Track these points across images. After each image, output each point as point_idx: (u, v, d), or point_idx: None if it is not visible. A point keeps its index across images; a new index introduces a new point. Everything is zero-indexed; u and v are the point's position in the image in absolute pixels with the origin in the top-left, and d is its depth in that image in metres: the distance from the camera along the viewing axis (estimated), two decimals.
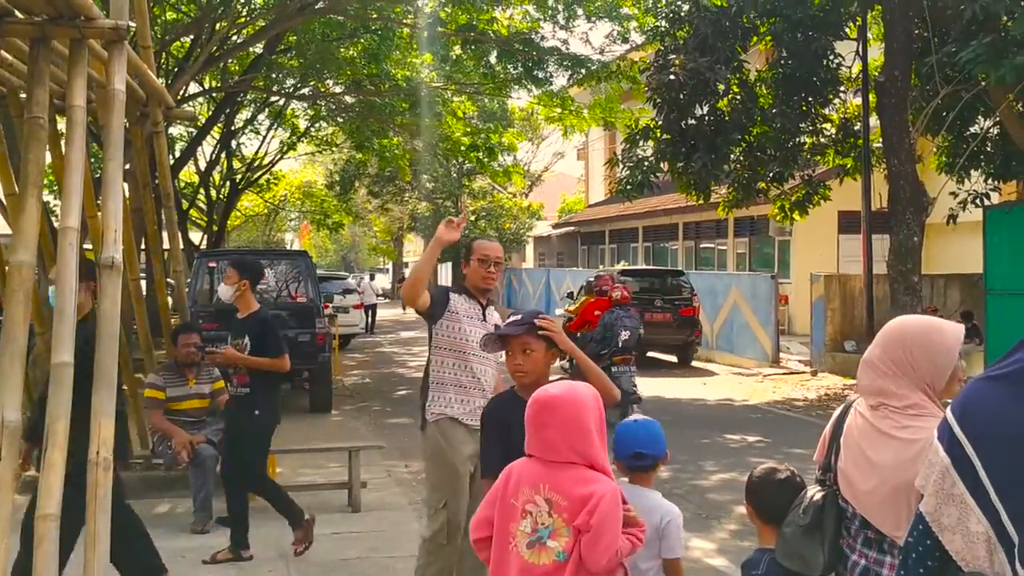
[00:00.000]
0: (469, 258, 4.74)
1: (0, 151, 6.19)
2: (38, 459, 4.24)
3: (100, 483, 3.94)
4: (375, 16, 16.03)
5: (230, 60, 17.61)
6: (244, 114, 22.99)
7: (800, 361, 17.37)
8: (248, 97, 21.22)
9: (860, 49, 15.12)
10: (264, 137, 24.18)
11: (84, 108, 4.47)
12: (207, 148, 23.28)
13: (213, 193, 24.14)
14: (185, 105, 14.46)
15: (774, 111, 15.00)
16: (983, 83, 11.68)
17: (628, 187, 15.11)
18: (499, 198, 40.57)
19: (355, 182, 31.85)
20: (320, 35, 16.45)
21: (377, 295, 29.93)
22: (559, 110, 18.59)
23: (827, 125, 16.17)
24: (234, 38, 16.20)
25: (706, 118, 14.97)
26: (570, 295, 19.07)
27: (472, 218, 39.29)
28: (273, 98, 21.12)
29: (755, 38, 15.17)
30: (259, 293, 12.14)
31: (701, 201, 15.74)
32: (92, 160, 12.15)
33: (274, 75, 18.36)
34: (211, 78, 18.98)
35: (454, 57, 17.60)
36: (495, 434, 3.55)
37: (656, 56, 15.03)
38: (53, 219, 7.56)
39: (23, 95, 5.40)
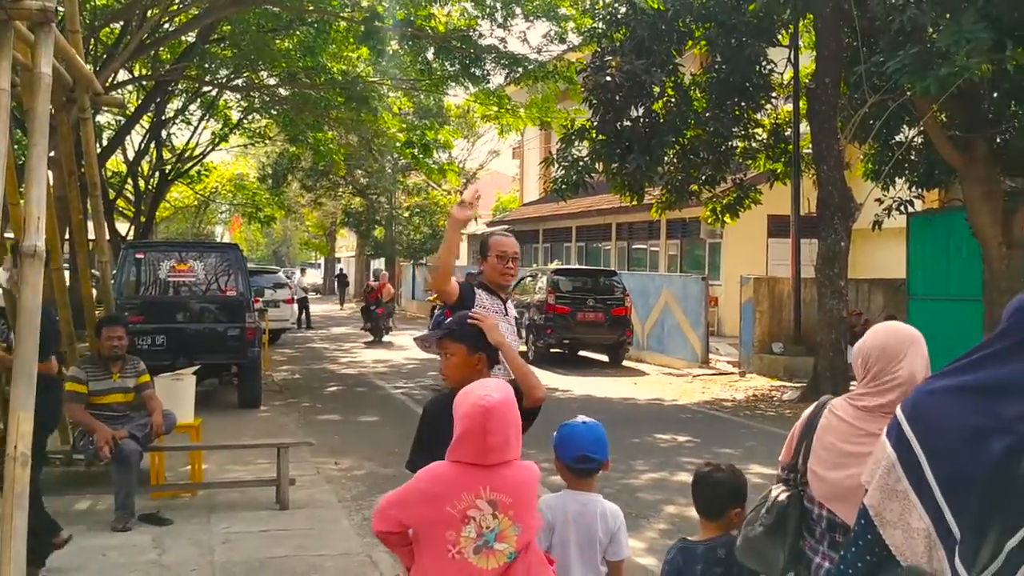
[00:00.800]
0: (487, 254, 4.72)
1: None
2: None
3: (17, 479, 3.82)
4: (311, 8, 15.84)
5: (162, 48, 17.24)
6: (175, 104, 22.54)
7: (729, 362, 17.64)
8: (180, 87, 20.80)
9: (792, 56, 15.42)
10: (195, 128, 23.72)
11: (8, 92, 4.33)
12: (136, 137, 22.78)
13: (141, 183, 23.62)
14: (114, 92, 14.11)
15: (707, 115, 15.21)
16: (909, 93, 11.97)
17: (563, 186, 15.17)
18: (434, 195, 40.44)
19: (288, 176, 31.47)
20: (255, 26, 16.20)
21: (305, 290, 29.59)
22: (495, 108, 18.62)
23: (759, 130, 16.44)
24: (166, 26, 15.86)
25: (641, 120, 15.10)
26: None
27: (406, 214, 39.15)
28: (205, 88, 20.73)
29: (690, 42, 15.35)
30: (188, 286, 12.04)
31: (635, 202, 15.87)
32: (16, 146, 11.79)
33: (207, 65, 18.02)
34: (141, 66, 18.57)
35: (391, 52, 17.49)
36: (428, 431, 3.52)
37: (593, 57, 15.11)
38: None
39: None
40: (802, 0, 13.51)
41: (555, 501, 3.41)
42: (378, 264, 42.20)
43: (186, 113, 23.14)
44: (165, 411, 7.24)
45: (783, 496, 2.81)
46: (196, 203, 34.21)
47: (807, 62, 15.82)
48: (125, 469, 6.65)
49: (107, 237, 9.09)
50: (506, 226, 37.53)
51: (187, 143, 24.42)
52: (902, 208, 15.19)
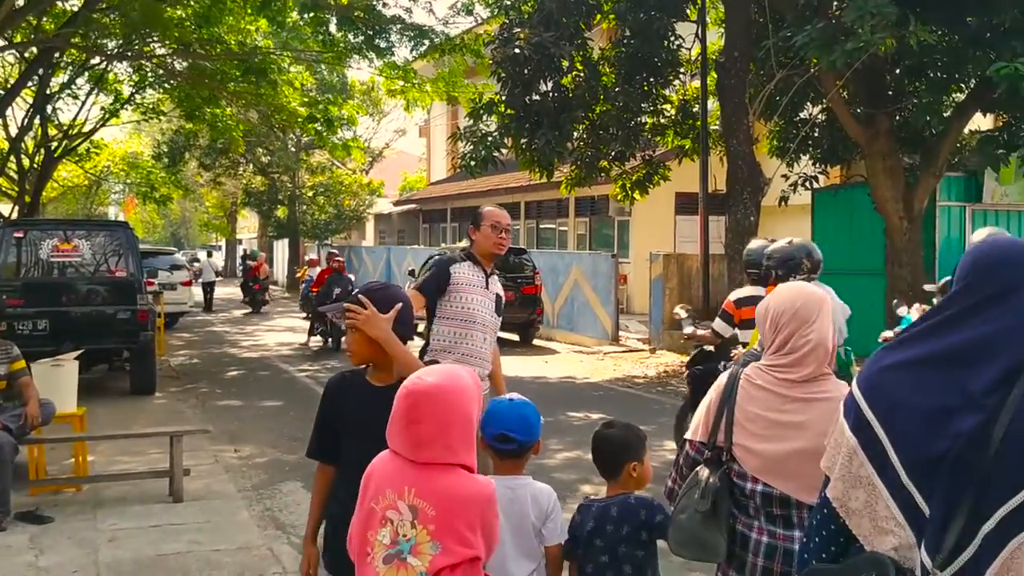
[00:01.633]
0: (479, 224, 4.79)
1: None
2: None
3: None
4: None
5: (44, 18, 16.23)
6: (61, 77, 21.32)
7: (639, 339, 17.62)
8: (65, 59, 19.69)
9: (700, 32, 15.34)
10: (83, 102, 22.51)
11: None
12: (18, 112, 21.51)
13: (25, 161, 22.33)
14: None
15: (617, 90, 15.06)
16: (814, 69, 12.00)
17: (471, 163, 14.86)
18: (338, 174, 39.57)
19: (185, 154, 30.29)
20: None
21: (217, 273, 28.87)
22: (401, 83, 18.10)
23: (667, 106, 16.37)
24: None
25: (550, 94, 14.89)
26: (412, 273, 18.68)
27: (310, 193, 38.20)
28: (93, 60, 19.66)
29: (599, 16, 15.17)
30: (74, 267, 11.31)
31: (545, 179, 15.67)
32: None
33: (93, 35, 17.03)
34: (22, 35, 17.48)
35: (291, 24, 16.82)
36: (326, 412, 3.19)
37: (501, 29, 14.81)
38: None
39: None
40: None
41: None
42: (301, 245, 40.99)
43: (73, 87, 21.94)
44: (43, 400, 6.71)
45: (714, 478, 2.65)
46: (87, 182, 32.71)
47: (715, 38, 15.80)
48: None
49: None
50: (413, 204, 37.05)
51: (74, 119, 23.18)
52: (807, 184, 15.35)
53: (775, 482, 2.58)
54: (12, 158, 21.95)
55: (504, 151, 15.28)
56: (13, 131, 21.94)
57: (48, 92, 20.50)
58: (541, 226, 28.30)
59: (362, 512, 2.49)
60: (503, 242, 4.82)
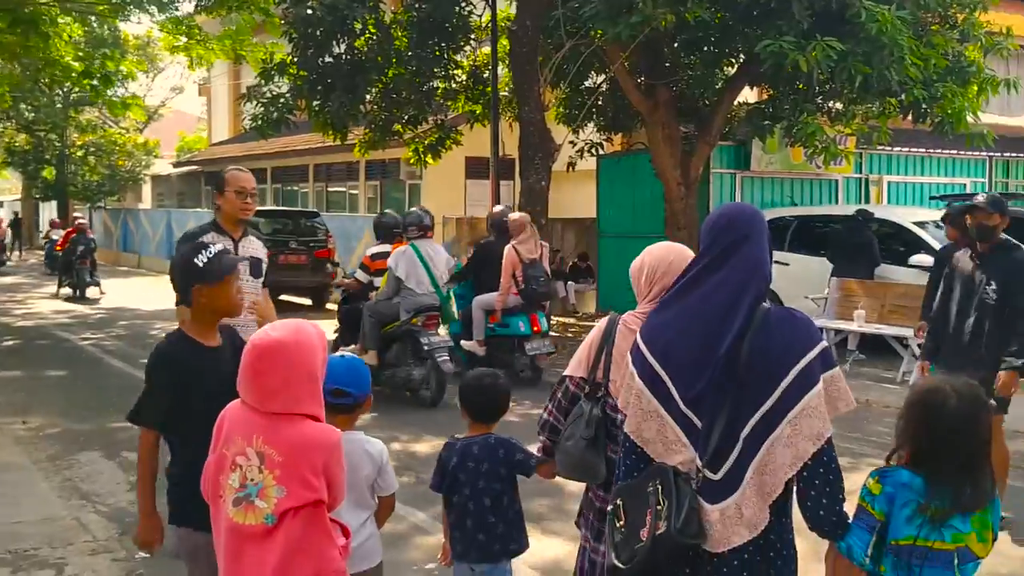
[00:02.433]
0: (223, 189, 4.69)
1: None
2: None
3: None
4: None
5: None
6: None
7: None
8: None
9: None
10: None
11: None
12: None
13: None
14: None
15: (409, 54, 15.12)
16: (600, 40, 12.58)
17: (262, 123, 14.56)
18: (111, 133, 37.35)
19: None
20: None
21: None
22: (185, 39, 17.39)
23: (459, 71, 16.62)
24: None
25: (343, 56, 14.77)
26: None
27: (79, 153, 35.86)
28: None
29: None
30: None
31: (338, 141, 15.58)
32: None
33: None
34: None
35: None
36: (163, 379, 3.27)
37: None
38: None
39: None
40: None
41: None
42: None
43: None
44: None
45: (597, 410, 3.02)
46: None
47: (504, 5, 16.16)
48: None
49: None
50: (195, 166, 35.56)
51: None
52: (593, 151, 16.07)
53: None
54: None
55: (296, 113, 15.05)
56: None
57: None
58: (330, 189, 27.96)
59: (214, 457, 2.65)
60: (248, 207, 4.79)
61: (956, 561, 2.43)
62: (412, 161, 17.53)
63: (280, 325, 2.69)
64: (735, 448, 2.34)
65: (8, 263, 28.41)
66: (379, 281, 9.19)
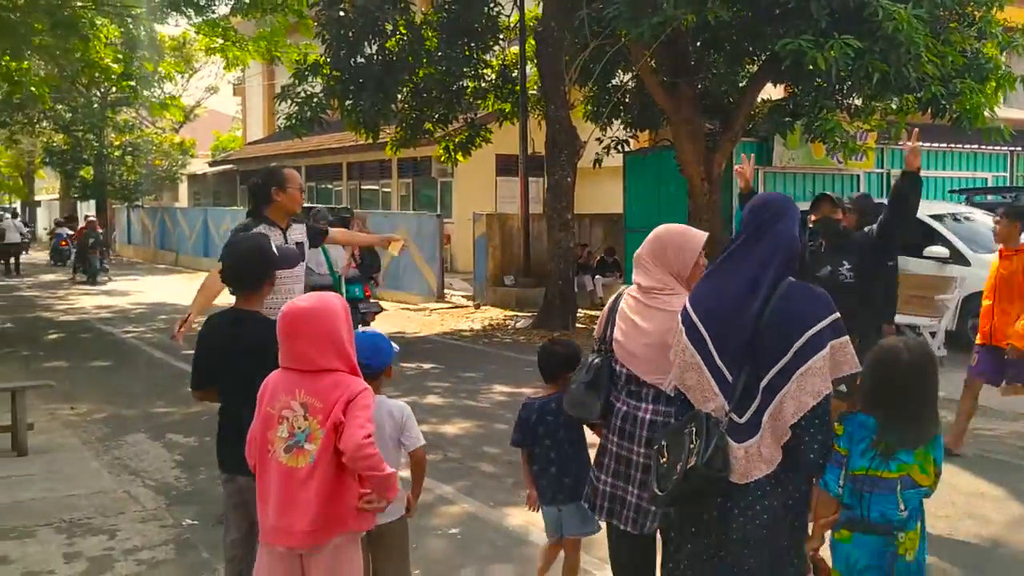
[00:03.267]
0: (286, 187, 5.20)
1: None
2: None
3: None
4: None
5: None
6: None
7: (464, 296, 18.29)
8: None
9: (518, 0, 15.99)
10: None
11: None
12: None
13: None
14: None
15: (439, 54, 15.49)
16: (624, 40, 12.86)
17: (296, 122, 14.97)
18: (148, 132, 38.08)
19: None
20: None
21: (23, 235, 27.52)
22: (221, 40, 17.86)
23: (488, 71, 16.96)
24: None
25: (375, 57, 15.14)
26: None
27: (117, 153, 36.58)
28: None
29: None
30: None
31: (370, 139, 15.98)
32: None
33: None
34: None
35: None
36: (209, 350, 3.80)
37: None
38: None
39: None
40: None
41: None
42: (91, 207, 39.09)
43: None
44: None
45: (596, 360, 3.59)
46: None
47: (532, 5, 16.48)
48: None
49: None
50: (230, 164, 36.21)
51: None
52: (619, 147, 16.35)
53: (631, 365, 3.48)
54: None
55: (329, 112, 15.45)
56: None
57: None
58: (363, 187, 28.43)
59: (260, 418, 3.07)
60: (301, 200, 5.41)
61: (899, 488, 2.95)
62: (443, 159, 17.91)
63: (306, 296, 3.19)
64: (756, 397, 2.86)
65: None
66: None
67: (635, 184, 16.81)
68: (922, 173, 5.58)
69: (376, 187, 27.84)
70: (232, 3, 16.44)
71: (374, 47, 15.07)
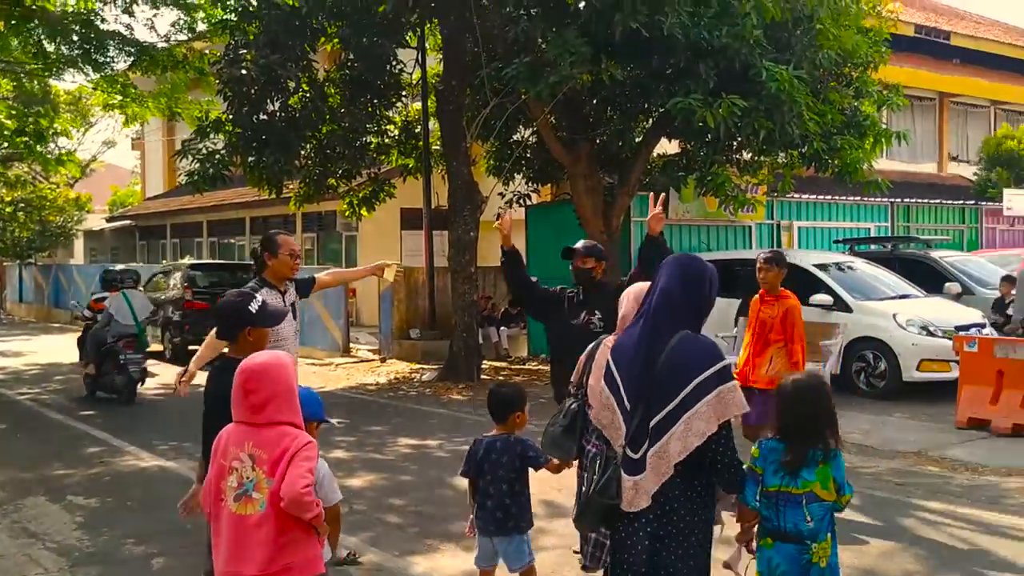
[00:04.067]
0: (277, 252, 5.46)
1: None
2: None
3: None
4: None
5: None
6: None
7: (369, 350, 18.30)
8: None
9: (420, 57, 16.33)
10: None
11: None
12: None
13: None
14: None
15: (342, 111, 15.68)
16: (524, 98, 13.27)
17: (198, 179, 14.89)
18: (41, 188, 37.12)
19: None
20: None
21: None
22: (120, 96, 17.74)
23: (391, 127, 17.22)
24: None
25: (277, 114, 15.20)
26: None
27: (9, 209, 35.54)
28: None
29: (323, 39, 15.67)
30: None
31: (274, 195, 15.99)
32: None
33: None
34: None
35: None
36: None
37: (227, 49, 14.93)
38: None
39: None
40: (427, 6, 14.41)
41: None
42: None
43: None
44: None
45: (574, 405, 3.79)
46: None
47: (434, 63, 16.85)
48: None
49: None
50: (128, 220, 35.49)
51: None
52: (521, 201, 16.75)
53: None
54: None
55: (232, 168, 15.43)
56: None
57: None
58: None
59: (214, 468, 3.29)
60: (297, 267, 5.67)
61: (804, 502, 3.45)
62: (347, 214, 18.01)
63: (259, 354, 3.36)
64: (647, 436, 3.26)
65: None
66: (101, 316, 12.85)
67: (537, 237, 17.19)
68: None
69: None
70: (132, 60, 16.37)
71: (277, 104, 15.13)
